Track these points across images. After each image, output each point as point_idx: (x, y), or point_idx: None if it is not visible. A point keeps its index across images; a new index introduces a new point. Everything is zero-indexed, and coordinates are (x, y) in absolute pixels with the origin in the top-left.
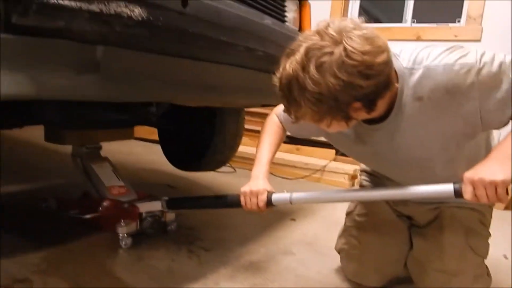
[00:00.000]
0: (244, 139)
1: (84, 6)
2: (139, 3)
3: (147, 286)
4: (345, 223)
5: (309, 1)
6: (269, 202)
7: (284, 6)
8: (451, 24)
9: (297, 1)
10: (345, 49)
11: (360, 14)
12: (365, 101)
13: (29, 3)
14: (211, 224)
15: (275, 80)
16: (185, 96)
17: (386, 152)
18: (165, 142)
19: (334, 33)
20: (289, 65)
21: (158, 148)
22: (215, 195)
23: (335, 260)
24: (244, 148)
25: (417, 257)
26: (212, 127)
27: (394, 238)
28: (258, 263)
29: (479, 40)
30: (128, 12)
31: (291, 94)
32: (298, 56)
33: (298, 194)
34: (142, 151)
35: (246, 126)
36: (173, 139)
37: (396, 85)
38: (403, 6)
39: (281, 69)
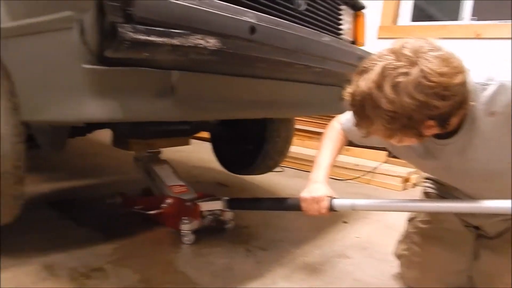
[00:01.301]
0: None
1: (167, 40)
2: (214, 35)
3: (209, 282)
4: (406, 229)
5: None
6: (331, 209)
7: (339, 19)
8: None
9: (352, 12)
10: (422, 70)
11: (413, 12)
12: (439, 120)
13: (123, 40)
14: (265, 224)
15: (347, 95)
16: (249, 112)
17: (456, 166)
18: (217, 146)
19: (410, 54)
20: (363, 83)
21: (207, 146)
22: (276, 197)
23: (393, 265)
24: (293, 148)
25: (486, 270)
26: (264, 133)
27: (459, 248)
28: (313, 265)
29: None
30: (204, 43)
31: (364, 111)
32: (373, 74)
33: (361, 201)
34: (192, 149)
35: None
36: (226, 144)
37: (470, 102)
38: (459, 3)
39: (354, 86)
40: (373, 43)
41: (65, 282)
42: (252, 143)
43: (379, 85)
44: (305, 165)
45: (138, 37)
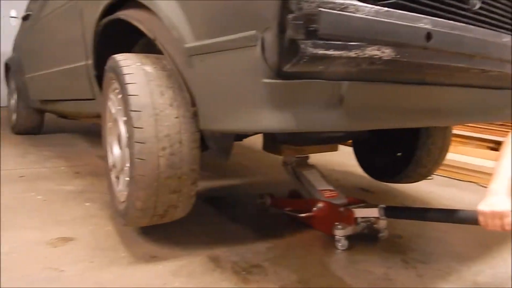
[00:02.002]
0: None
1: (345, 53)
2: (390, 44)
3: None
4: None
5: None
6: None
7: None
8: None
9: None
10: None
11: None
12: None
13: (303, 56)
14: (419, 234)
15: None
16: (420, 121)
17: None
18: (361, 152)
19: None
20: None
21: (344, 149)
22: (444, 208)
23: None
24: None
25: None
26: (416, 139)
27: None
28: (487, 286)
29: None
30: (380, 54)
31: None
32: None
33: None
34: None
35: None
36: (371, 150)
37: None
38: None
39: None
40: None
41: (230, 275)
42: (401, 150)
43: None
44: (458, 173)
45: (317, 52)
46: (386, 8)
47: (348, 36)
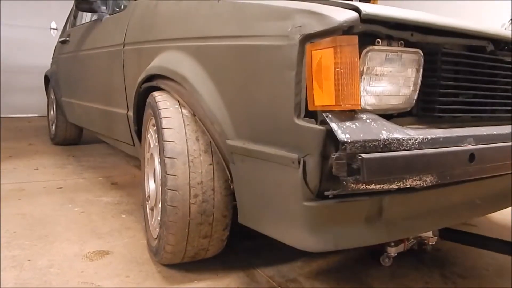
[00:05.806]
0: None
1: (386, 186)
2: (432, 173)
3: None
4: None
5: None
6: None
7: None
8: None
9: None
10: None
11: None
12: None
13: (344, 189)
14: (460, 248)
15: None
16: (462, 216)
17: None
18: None
19: None
20: None
21: None
22: (507, 241)
23: None
24: None
25: None
26: None
27: None
28: None
29: None
30: (421, 183)
31: None
32: None
33: None
34: None
35: None
36: None
37: None
38: None
39: None
40: None
41: None
42: None
43: None
44: None
45: (359, 186)
46: (430, 136)
47: (391, 175)
